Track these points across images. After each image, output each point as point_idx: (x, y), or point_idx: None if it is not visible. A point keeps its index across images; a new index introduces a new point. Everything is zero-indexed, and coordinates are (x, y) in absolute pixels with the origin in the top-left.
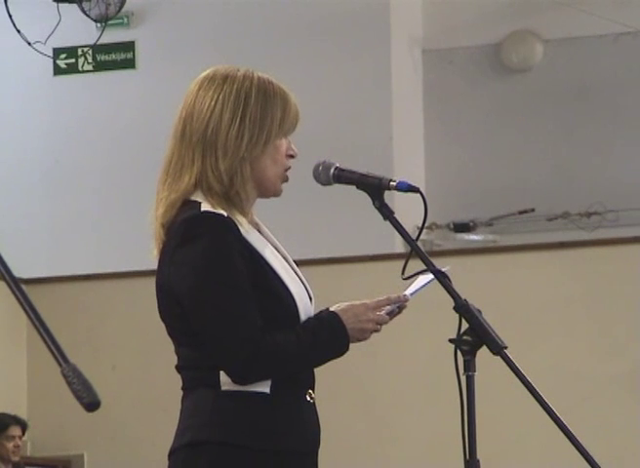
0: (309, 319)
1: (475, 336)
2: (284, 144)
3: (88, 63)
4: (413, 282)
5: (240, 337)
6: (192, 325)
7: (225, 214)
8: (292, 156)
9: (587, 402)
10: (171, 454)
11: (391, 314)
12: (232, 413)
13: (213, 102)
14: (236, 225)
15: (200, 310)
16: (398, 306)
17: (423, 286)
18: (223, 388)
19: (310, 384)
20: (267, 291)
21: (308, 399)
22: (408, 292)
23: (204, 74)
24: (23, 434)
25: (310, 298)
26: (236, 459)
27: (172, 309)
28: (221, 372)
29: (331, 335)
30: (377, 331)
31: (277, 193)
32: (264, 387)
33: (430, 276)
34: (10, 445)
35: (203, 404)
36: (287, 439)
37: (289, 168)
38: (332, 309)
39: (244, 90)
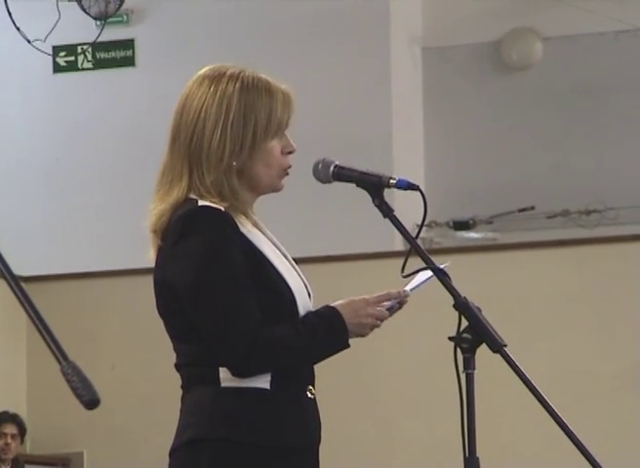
0: (308, 313)
1: (475, 334)
2: (277, 146)
3: (87, 61)
4: (412, 278)
5: (239, 330)
6: (191, 319)
7: (223, 208)
8: (290, 152)
9: (587, 400)
10: (172, 453)
11: (391, 310)
12: (232, 410)
13: (198, 110)
14: (234, 220)
15: (199, 303)
16: (398, 302)
17: (423, 282)
18: (223, 385)
19: (310, 380)
20: (266, 285)
21: (309, 395)
22: (408, 287)
23: (194, 77)
24: (22, 435)
25: (309, 295)
26: (237, 456)
27: (170, 304)
28: (221, 369)
29: (330, 330)
30: (376, 326)
31: (277, 190)
32: (264, 383)
33: (430, 272)
34: (0, 442)
35: (203, 401)
36: (288, 434)
37: (289, 166)
38: (331, 304)
39: (226, 96)
